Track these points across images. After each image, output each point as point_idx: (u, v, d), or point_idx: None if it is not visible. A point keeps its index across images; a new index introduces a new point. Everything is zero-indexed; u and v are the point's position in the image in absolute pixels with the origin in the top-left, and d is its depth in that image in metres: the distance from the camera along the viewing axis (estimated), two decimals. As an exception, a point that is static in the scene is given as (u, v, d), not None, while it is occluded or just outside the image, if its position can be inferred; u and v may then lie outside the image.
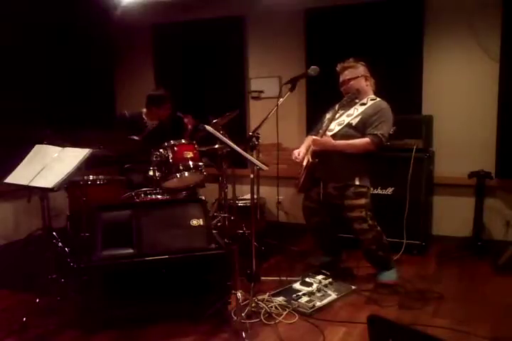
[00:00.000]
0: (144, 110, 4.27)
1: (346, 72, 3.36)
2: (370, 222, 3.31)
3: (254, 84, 5.06)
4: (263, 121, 3.06)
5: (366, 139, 3.20)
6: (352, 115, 3.30)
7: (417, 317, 2.87)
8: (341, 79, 3.40)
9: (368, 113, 3.26)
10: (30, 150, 3.10)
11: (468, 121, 4.27)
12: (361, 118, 3.27)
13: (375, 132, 3.20)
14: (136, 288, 2.80)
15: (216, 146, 4.00)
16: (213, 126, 3.68)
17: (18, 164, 3.04)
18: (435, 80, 4.34)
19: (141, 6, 4.85)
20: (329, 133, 3.31)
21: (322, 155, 3.32)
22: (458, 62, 4.26)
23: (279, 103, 3.03)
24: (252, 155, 2.97)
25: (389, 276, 3.42)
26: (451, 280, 3.49)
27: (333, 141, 3.22)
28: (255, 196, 3.21)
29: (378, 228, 3.36)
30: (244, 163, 4.20)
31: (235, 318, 2.82)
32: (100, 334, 2.74)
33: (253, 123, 5.04)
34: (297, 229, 4.76)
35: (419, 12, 4.26)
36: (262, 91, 5.00)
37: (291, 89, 3.11)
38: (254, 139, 3.03)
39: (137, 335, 2.73)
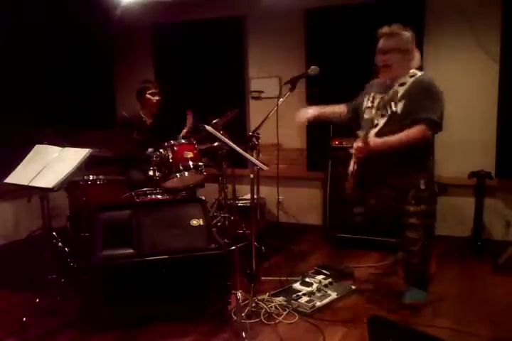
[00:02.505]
0: (140, 109, 4.25)
1: (392, 40, 2.75)
2: (421, 230, 2.88)
3: (254, 84, 5.06)
4: (263, 121, 3.06)
5: (421, 126, 2.64)
6: (394, 100, 2.74)
7: (417, 317, 2.87)
8: (382, 45, 2.79)
9: (413, 94, 2.70)
10: (30, 150, 3.10)
11: (469, 121, 4.27)
12: (405, 103, 2.70)
13: (430, 116, 2.64)
14: (136, 288, 2.80)
15: (215, 144, 3.99)
16: (213, 126, 3.68)
17: (18, 164, 3.04)
18: (435, 80, 4.33)
19: (141, 6, 4.84)
20: (374, 130, 2.75)
21: (370, 159, 2.81)
22: (458, 62, 4.26)
23: (279, 103, 3.03)
24: (252, 155, 2.98)
25: (419, 297, 3.00)
26: (451, 280, 3.49)
27: (379, 142, 2.66)
28: (255, 196, 3.20)
29: (428, 241, 2.95)
30: (244, 163, 4.19)
31: (235, 318, 2.82)
32: (100, 334, 2.74)
33: (253, 123, 5.04)
34: (297, 229, 4.77)
35: (419, 12, 4.26)
36: (262, 91, 5.00)
37: (291, 89, 3.11)
38: (254, 139, 3.03)
39: (137, 335, 2.73)
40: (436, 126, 2.67)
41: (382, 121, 2.70)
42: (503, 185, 4.18)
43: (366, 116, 2.90)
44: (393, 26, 2.75)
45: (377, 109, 2.80)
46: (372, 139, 2.66)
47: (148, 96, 4.13)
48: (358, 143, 2.73)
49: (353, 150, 2.83)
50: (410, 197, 2.81)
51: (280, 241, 4.25)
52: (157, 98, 4.16)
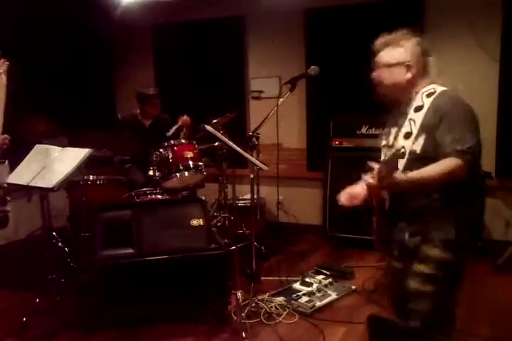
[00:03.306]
0: (138, 111, 4.25)
1: (383, 53, 2.08)
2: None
3: (254, 84, 5.06)
4: (263, 121, 3.06)
5: (454, 160, 1.80)
6: (411, 134, 1.93)
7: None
8: (375, 59, 2.12)
9: (433, 123, 1.89)
10: (30, 150, 3.10)
11: (468, 121, 4.26)
12: (426, 138, 1.89)
13: (459, 147, 1.81)
14: (136, 288, 2.80)
15: (215, 144, 3.99)
16: (213, 126, 3.68)
17: (18, 164, 3.04)
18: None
19: (141, 6, 4.84)
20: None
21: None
22: (458, 62, 4.25)
23: (279, 103, 3.03)
24: (252, 155, 2.98)
25: None
26: (451, 280, 3.49)
27: (397, 178, 1.79)
28: (255, 196, 3.21)
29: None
30: (244, 163, 4.19)
31: (235, 318, 2.82)
32: (100, 334, 2.74)
33: (253, 123, 5.03)
34: (297, 229, 4.77)
35: (419, 12, 4.26)
36: (262, 91, 5.00)
37: (291, 89, 3.11)
38: (254, 139, 3.04)
39: (137, 335, 2.73)
40: (472, 159, 1.81)
41: (400, 164, 1.90)
42: (503, 185, 4.18)
43: (382, 156, 2.14)
44: (392, 35, 2.10)
45: (391, 146, 2.04)
46: (395, 177, 1.79)
47: (151, 107, 4.14)
48: (369, 179, 1.89)
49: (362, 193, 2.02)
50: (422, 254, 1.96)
51: (280, 241, 4.25)
52: (157, 109, 4.17)
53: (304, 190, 4.95)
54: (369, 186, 1.92)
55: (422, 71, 2.04)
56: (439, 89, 1.96)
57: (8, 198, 2.51)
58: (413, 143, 1.90)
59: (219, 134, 3.11)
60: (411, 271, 1.98)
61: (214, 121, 3.85)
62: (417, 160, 1.88)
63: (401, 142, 1.94)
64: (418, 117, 1.94)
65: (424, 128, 1.90)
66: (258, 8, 4.71)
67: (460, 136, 1.83)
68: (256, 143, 3.06)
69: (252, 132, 3.09)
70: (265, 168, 2.93)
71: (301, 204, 4.94)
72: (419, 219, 1.95)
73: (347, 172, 4.21)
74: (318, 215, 4.75)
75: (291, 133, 4.85)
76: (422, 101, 1.96)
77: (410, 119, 1.97)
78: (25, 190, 3.54)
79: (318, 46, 4.68)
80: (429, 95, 1.96)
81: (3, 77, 2.44)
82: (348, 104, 4.48)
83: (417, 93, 1.99)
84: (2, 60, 2.49)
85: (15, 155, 3.11)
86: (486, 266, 3.72)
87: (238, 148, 2.99)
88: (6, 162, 2.44)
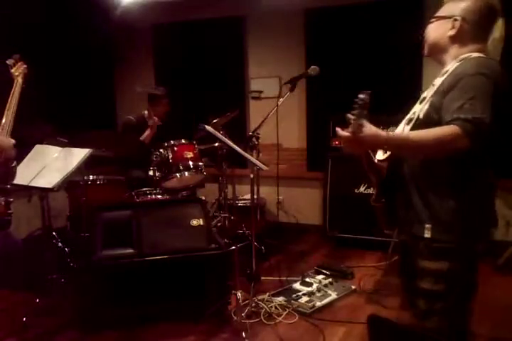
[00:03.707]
0: (145, 112, 4.26)
1: (443, 8, 1.94)
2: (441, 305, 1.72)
3: (254, 84, 5.06)
4: (263, 121, 3.07)
5: (452, 127, 1.52)
6: (425, 99, 1.74)
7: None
8: None
9: (449, 85, 1.63)
10: (30, 150, 3.10)
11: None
12: (432, 101, 1.68)
13: (463, 115, 1.52)
14: (136, 288, 2.80)
15: (215, 144, 3.99)
16: (213, 126, 3.68)
17: (18, 164, 3.04)
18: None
19: (141, 6, 4.84)
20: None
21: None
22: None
23: (279, 103, 3.03)
24: (252, 155, 2.98)
25: None
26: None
27: (381, 135, 1.59)
28: (255, 196, 3.20)
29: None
30: (244, 163, 4.20)
31: (235, 318, 2.82)
32: (100, 334, 2.74)
33: (253, 123, 5.03)
34: (297, 229, 4.77)
35: (418, 12, 4.25)
36: (262, 92, 5.00)
37: (291, 89, 3.11)
38: (254, 139, 3.04)
39: (137, 335, 2.73)
40: (475, 131, 1.51)
41: (407, 129, 1.77)
42: (503, 185, 4.15)
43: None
44: None
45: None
46: (370, 129, 1.58)
47: (160, 106, 4.16)
48: (344, 132, 1.62)
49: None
50: (424, 249, 1.73)
51: (280, 241, 4.25)
52: (168, 109, 4.21)
53: (303, 190, 4.95)
54: (345, 139, 1.61)
55: (472, 32, 1.73)
56: (475, 54, 1.68)
57: (11, 199, 2.51)
58: (421, 108, 1.70)
59: (219, 134, 3.11)
60: (416, 287, 1.79)
61: (214, 121, 3.85)
62: (420, 126, 1.67)
63: (415, 107, 1.79)
64: (438, 81, 1.71)
65: (436, 92, 1.67)
66: (258, 8, 4.70)
67: (471, 104, 1.53)
68: (256, 143, 3.06)
69: (252, 132, 3.09)
70: (265, 167, 2.93)
71: (301, 204, 4.94)
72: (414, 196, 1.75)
73: (347, 172, 4.24)
74: (318, 215, 4.75)
75: (291, 133, 4.85)
76: (452, 65, 1.71)
77: (433, 84, 1.76)
78: (25, 190, 3.53)
79: (318, 46, 4.68)
80: (461, 60, 1.69)
81: (20, 80, 2.51)
82: (348, 104, 4.46)
83: (455, 57, 1.73)
84: (20, 63, 2.55)
85: (15, 155, 3.11)
86: (486, 266, 3.72)
87: (238, 148, 2.99)
88: (15, 163, 2.45)
